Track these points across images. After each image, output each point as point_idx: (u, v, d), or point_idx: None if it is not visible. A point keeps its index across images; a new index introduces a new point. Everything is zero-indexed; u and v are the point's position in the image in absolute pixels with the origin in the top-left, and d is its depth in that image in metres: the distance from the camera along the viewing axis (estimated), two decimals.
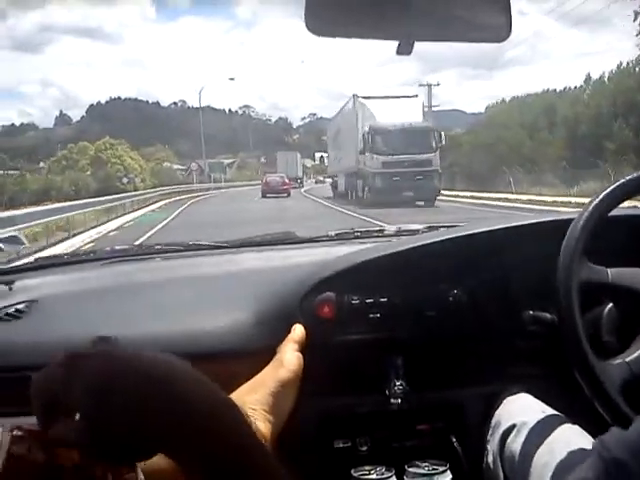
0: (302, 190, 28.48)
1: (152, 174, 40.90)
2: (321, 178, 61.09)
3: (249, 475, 0.45)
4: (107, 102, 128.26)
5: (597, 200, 0.83)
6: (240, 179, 57.81)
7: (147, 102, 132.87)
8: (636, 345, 0.80)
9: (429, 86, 35.84)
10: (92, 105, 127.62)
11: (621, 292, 0.84)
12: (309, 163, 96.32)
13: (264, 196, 25.70)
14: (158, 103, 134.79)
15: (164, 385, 0.44)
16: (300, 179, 47.19)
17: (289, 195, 26.49)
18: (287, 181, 28.43)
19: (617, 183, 0.85)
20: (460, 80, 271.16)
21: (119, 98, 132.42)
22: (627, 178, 0.85)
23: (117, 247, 1.41)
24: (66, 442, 0.41)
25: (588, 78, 27.05)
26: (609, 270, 0.84)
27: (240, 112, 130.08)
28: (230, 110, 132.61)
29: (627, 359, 0.78)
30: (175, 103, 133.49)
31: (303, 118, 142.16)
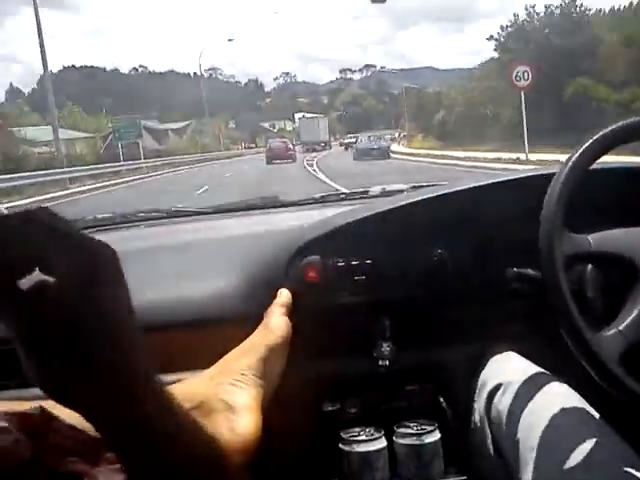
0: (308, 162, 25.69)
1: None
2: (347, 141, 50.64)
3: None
4: (60, 71, 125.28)
5: (577, 154, 0.85)
6: (192, 149, 45.11)
7: (104, 69, 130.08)
8: (626, 311, 0.82)
9: None
10: (42, 75, 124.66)
11: (604, 258, 0.87)
12: (289, 126, 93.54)
13: (269, 162, 27.46)
14: (117, 70, 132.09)
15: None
16: (326, 142, 49.64)
17: (294, 161, 27.40)
18: (291, 146, 31.01)
19: (596, 136, 0.86)
20: (431, 36, 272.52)
21: (73, 66, 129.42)
22: (606, 130, 0.86)
23: (99, 215, 1.43)
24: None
25: None
26: (590, 238, 0.86)
27: (207, 75, 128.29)
28: (195, 74, 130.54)
29: (620, 327, 0.81)
30: (135, 69, 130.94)
31: (276, 78, 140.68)
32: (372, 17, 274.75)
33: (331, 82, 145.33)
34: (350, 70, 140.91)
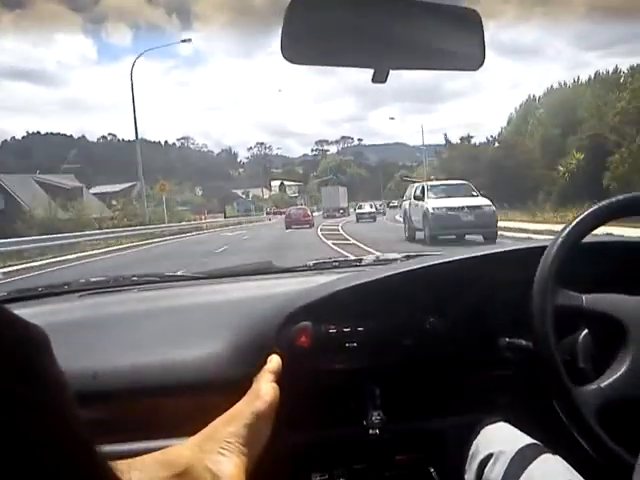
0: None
1: None
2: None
3: None
4: (24, 137, 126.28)
5: (570, 227, 0.93)
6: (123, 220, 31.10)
7: (71, 136, 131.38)
8: (611, 370, 0.88)
9: None
10: (5, 141, 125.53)
11: (596, 317, 0.92)
12: (266, 194, 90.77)
13: (288, 227, 30.32)
14: (84, 137, 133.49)
15: None
16: (344, 209, 56.81)
17: (312, 226, 29.71)
18: (309, 213, 34.69)
19: (589, 210, 0.94)
20: (401, 115, 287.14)
21: (38, 133, 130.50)
22: (599, 205, 0.94)
23: (93, 279, 1.48)
24: None
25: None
26: (583, 296, 0.92)
27: (178, 144, 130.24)
28: (167, 142, 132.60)
29: (602, 384, 0.86)
30: (104, 137, 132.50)
31: (250, 148, 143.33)
32: (343, 97, 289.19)
33: (305, 155, 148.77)
34: (327, 142, 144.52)
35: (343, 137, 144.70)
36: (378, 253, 1.58)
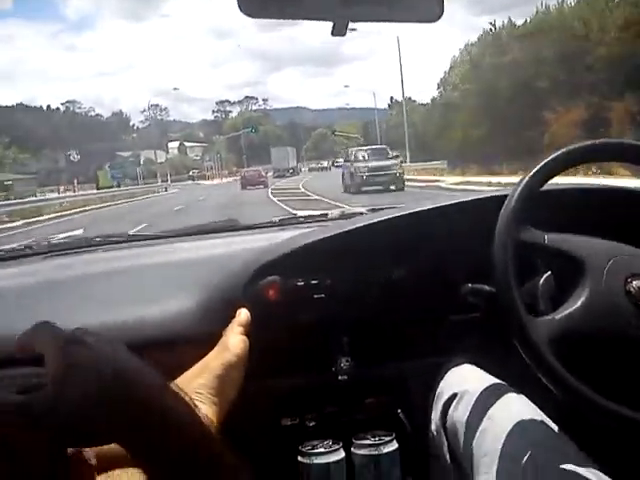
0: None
1: None
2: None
3: (199, 467, 0.56)
4: None
5: (529, 176, 1.00)
6: None
7: None
8: (567, 304, 0.95)
9: None
10: None
11: (557, 255, 1.00)
12: (161, 157, 76.23)
13: (243, 188, 33.31)
14: None
15: (122, 382, 0.54)
16: (294, 169, 59.84)
17: (266, 187, 31.97)
18: (263, 174, 37.31)
19: (548, 158, 1.02)
20: (302, 78, 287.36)
21: None
22: (558, 153, 1.02)
23: (56, 241, 1.52)
24: (26, 414, 0.49)
25: None
26: (546, 234, 1.00)
27: (63, 108, 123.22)
28: (49, 107, 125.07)
29: (556, 316, 0.93)
30: None
31: (143, 111, 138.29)
32: (242, 61, 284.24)
33: (205, 120, 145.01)
34: (229, 102, 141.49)
35: (247, 97, 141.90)
36: (343, 207, 1.63)
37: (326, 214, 1.60)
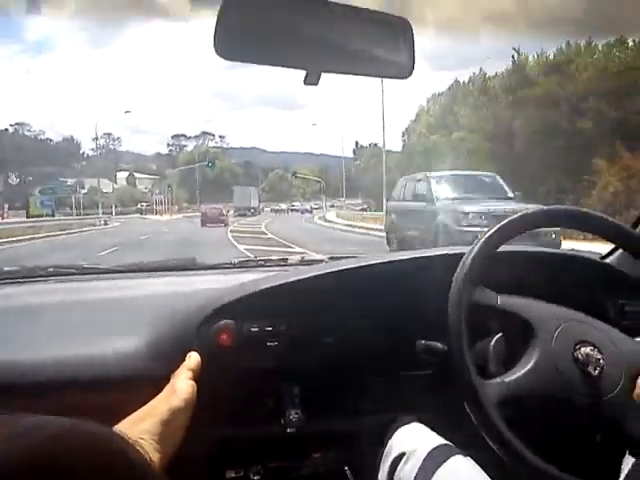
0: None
1: None
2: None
3: None
4: None
5: (486, 235, 1.04)
6: None
7: None
8: (516, 367, 0.97)
9: None
10: None
11: (507, 317, 1.03)
12: (107, 187, 68.65)
13: (203, 225, 31.37)
14: None
15: None
16: (255, 208, 59.80)
17: (226, 225, 30.96)
18: (224, 212, 35.53)
19: (505, 221, 1.05)
20: (260, 119, 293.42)
21: None
22: (515, 216, 1.06)
23: (6, 268, 1.48)
24: None
25: None
26: (499, 296, 1.03)
27: (11, 130, 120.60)
28: None
29: (506, 379, 0.96)
30: None
31: (95, 138, 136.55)
32: (201, 96, 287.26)
33: (158, 154, 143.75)
34: (185, 136, 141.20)
35: (204, 132, 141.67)
36: (304, 254, 1.64)
37: (286, 259, 1.61)
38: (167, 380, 1.00)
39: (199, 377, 1.02)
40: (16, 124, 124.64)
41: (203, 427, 0.99)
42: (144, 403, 0.95)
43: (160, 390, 0.98)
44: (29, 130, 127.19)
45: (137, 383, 1.03)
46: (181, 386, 0.98)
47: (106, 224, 35.69)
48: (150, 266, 1.53)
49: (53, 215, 39.06)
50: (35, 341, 1.10)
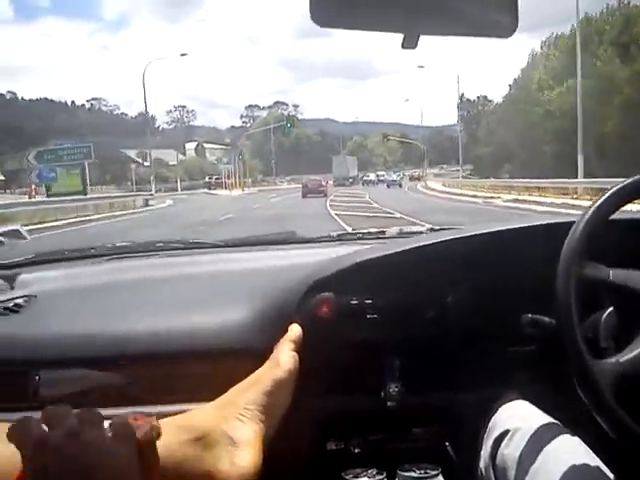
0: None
1: None
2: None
3: None
4: None
5: (597, 203, 1.00)
6: None
7: None
8: (631, 347, 0.95)
9: None
10: None
11: (621, 292, 1.00)
12: (172, 159, 69.15)
13: (304, 196, 35.38)
14: None
15: None
16: (353, 177, 62.94)
17: (326, 196, 33.83)
18: (323, 183, 39.37)
19: (617, 187, 1.01)
20: (331, 89, 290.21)
21: None
22: (627, 181, 1.01)
23: (118, 244, 1.59)
24: None
25: None
26: (610, 270, 1.00)
27: (88, 105, 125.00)
28: (74, 103, 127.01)
29: (621, 359, 0.93)
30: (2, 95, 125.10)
31: (169, 111, 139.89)
32: (273, 68, 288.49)
33: (232, 127, 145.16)
34: (258, 107, 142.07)
35: (277, 102, 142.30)
36: (402, 226, 1.66)
37: (384, 231, 1.62)
38: (270, 352, 1.04)
39: (301, 349, 1.05)
40: (93, 99, 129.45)
41: (305, 399, 1.02)
42: (247, 374, 0.99)
43: (263, 362, 1.02)
44: (105, 105, 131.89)
45: (240, 355, 1.08)
46: (284, 358, 1.02)
47: (147, 204, 29.13)
48: (251, 240, 1.60)
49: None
50: (142, 313, 1.17)
